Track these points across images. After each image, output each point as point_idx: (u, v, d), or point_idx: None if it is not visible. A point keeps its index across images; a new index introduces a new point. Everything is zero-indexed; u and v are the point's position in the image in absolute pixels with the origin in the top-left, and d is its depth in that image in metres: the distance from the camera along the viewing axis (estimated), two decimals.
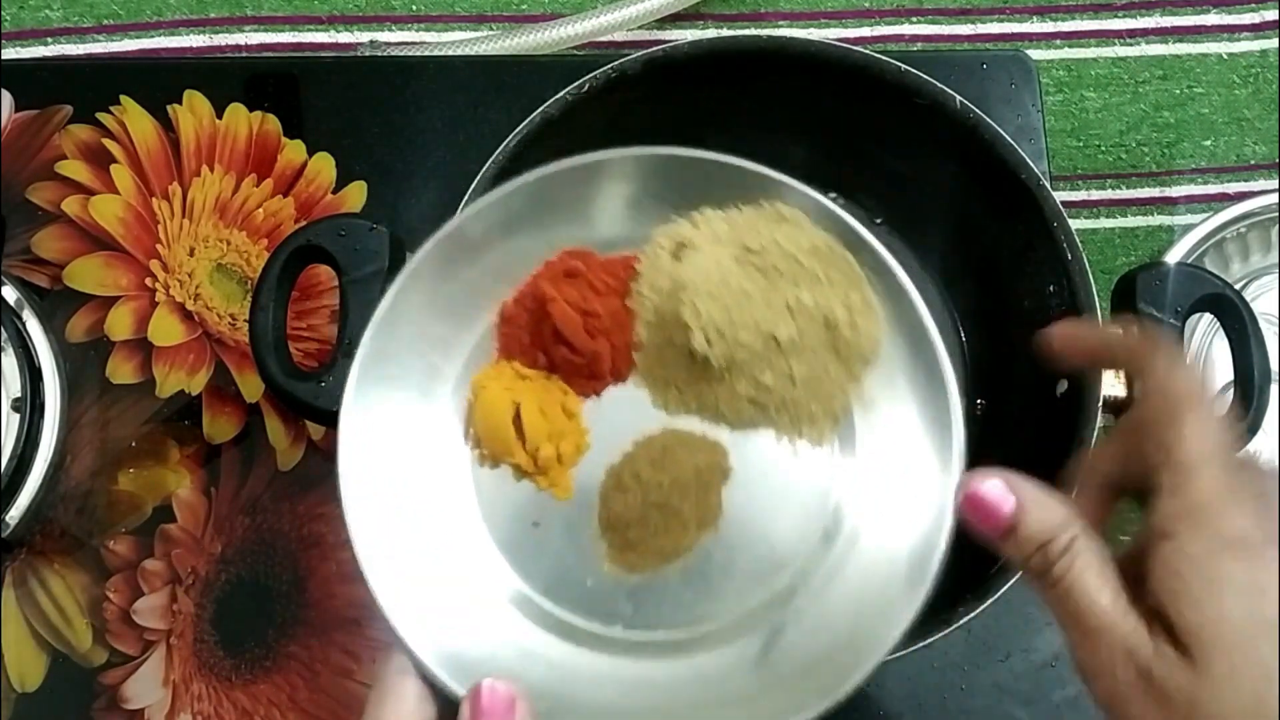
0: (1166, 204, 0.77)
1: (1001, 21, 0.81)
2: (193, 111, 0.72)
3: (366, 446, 0.44)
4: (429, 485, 0.46)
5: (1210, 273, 0.61)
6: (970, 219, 0.65)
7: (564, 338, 0.45)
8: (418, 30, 0.80)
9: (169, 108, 0.72)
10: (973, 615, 0.54)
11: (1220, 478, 0.35)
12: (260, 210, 0.71)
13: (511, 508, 0.46)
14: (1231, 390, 0.58)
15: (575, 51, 0.75)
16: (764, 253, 0.45)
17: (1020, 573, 0.38)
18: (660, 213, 0.47)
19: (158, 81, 0.73)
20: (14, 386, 0.64)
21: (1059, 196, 0.59)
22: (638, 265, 0.46)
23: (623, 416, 0.46)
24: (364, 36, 0.79)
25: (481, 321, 0.48)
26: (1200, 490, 0.34)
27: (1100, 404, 0.57)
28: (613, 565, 0.46)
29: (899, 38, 0.81)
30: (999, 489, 0.39)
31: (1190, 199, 0.77)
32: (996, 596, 0.54)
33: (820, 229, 0.45)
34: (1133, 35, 0.81)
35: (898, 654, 0.54)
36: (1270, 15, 0.81)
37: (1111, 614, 0.34)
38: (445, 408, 0.47)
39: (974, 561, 0.57)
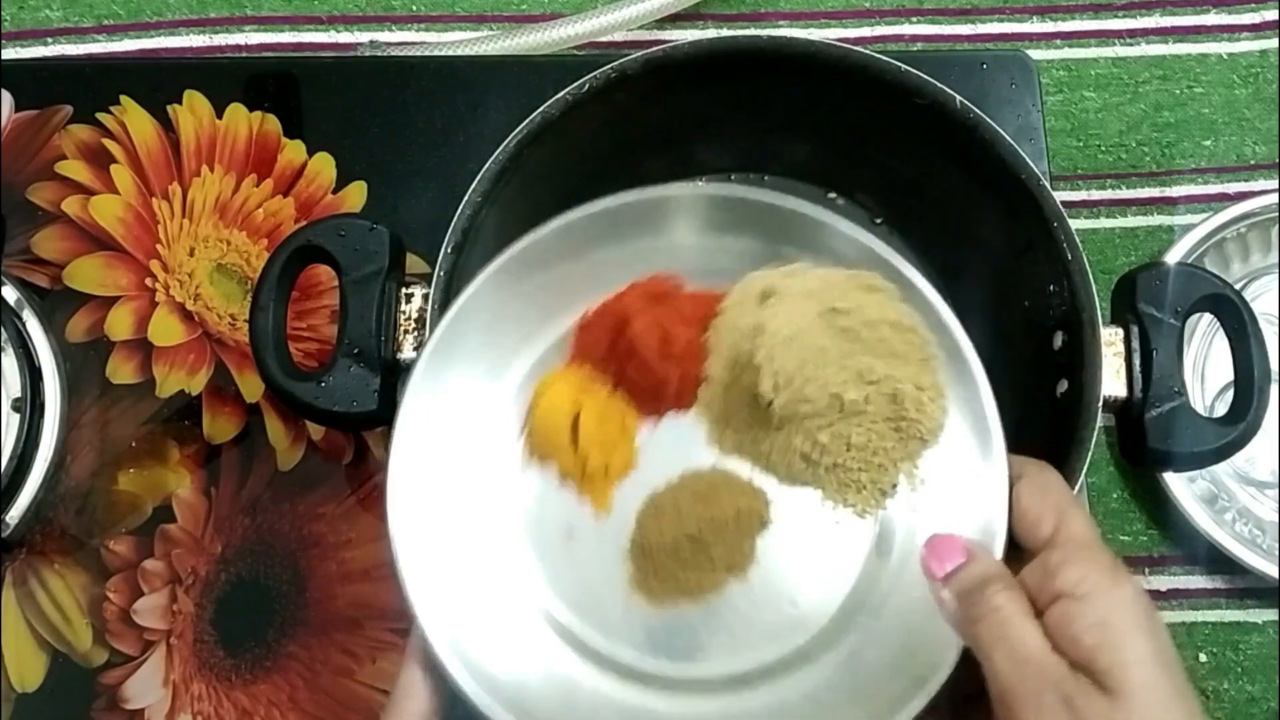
0: (1166, 204, 0.77)
1: (1001, 21, 0.81)
2: (193, 111, 0.72)
3: (424, 424, 0.45)
4: (475, 470, 0.46)
5: (1210, 273, 0.61)
6: (970, 219, 0.65)
7: (638, 355, 0.45)
8: (418, 30, 0.80)
9: (169, 108, 0.72)
10: None
11: (1107, 549, 0.42)
12: (260, 210, 0.71)
13: (550, 509, 0.46)
14: (1232, 390, 0.58)
15: (575, 51, 0.75)
16: (849, 315, 0.45)
17: (954, 610, 0.42)
18: (746, 246, 0.47)
19: (158, 81, 0.73)
20: (14, 386, 0.64)
21: (1059, 196, 0.59)
22: (723, 304, 0.47)
23: (676, 445, 0.46)
24: (364, 36, 0.79)
25: (563, 321, 0.48)
26: (1102, 559, 0.41)
27: (1100, 404, 0.57)
28: (633, 590, 0.46)
29: (899, 38, 0.81)
30: (956, 538, 0.43)
31: (1190, 199, 0.77)
32: None
33: (908, 307, 0.46)
34: (1133, 35, 0.81)
35: None
36: (1270, 15, 0.81)
37: (1041, 648, 0.39)
38: (509, 399, 0.47)
39: None
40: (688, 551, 0.45)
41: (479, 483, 0.46)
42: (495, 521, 0.46)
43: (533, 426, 0.47)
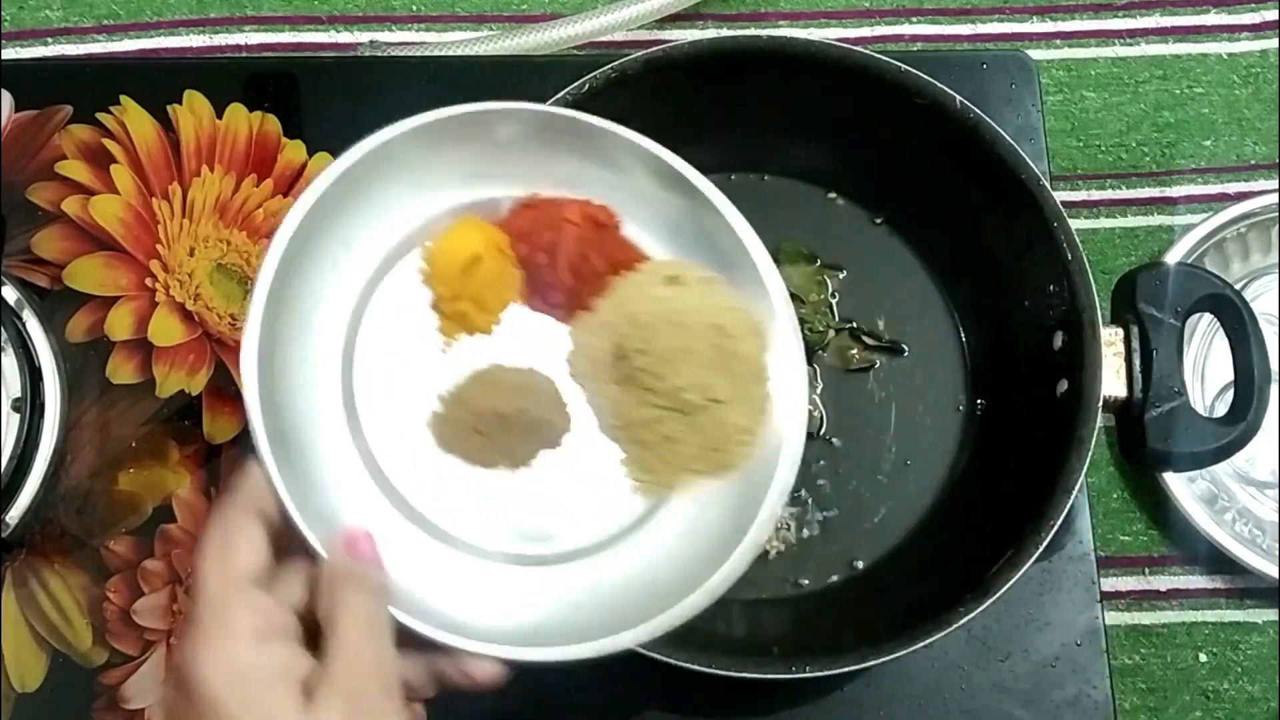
0: (1166, 204, 0.77)
1: (1001, 21, 0.81)
2: (193, 111, 0.72)
3: (287, 263, 0.46)
4: (328, 286, 0.49)
5: (1210, 273, 0.61)
6: (970, 219, 0.65)
7: (556, 255, 0.50)
8: (418, 30, 0.80)
9: (169, 108, 0.72)
10: (972, 615, 0.54)
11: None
12: (260, 210, 0.71)
13: (394, 326, 0.50)
14: (1232, 390, 0.58)
15: (575, 51, 0.75)
16: (728, 340, 0.50)
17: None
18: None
19: (158, 81, 0.73)
20: (14, 386, 0.64)
21: (1059, 196, 0.60)
22: (640, 265, 0.52)
23: (535, 342, 0.51)
24: (364, 36, 0.79)
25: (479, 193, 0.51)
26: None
27: (1100, 404, 0.57)
28: (428, 424, 0.49)
29: (899, 38, 0.81)
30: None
31: (1190, 199, 0.77)
32: (996, 596, 0.54)
33: (769, 364, 0.51)
34: (1133, 35, 0.81)
35: (895, 655, 0.54)
36: (1270, 15, 0.81)
37: None
38: (388, 235, 0.50)
39: (973, 561, 0.57)
40: (489, 424, 0.49)
41: (330, 295, 0.49)
42: (335, 321, 0.49)
43: (434, 246, 0.50)
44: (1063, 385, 0.59)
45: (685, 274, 0.51)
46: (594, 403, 0.51)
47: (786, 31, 0.80)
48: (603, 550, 0.49)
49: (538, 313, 0.51)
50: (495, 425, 0.49)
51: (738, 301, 0.51)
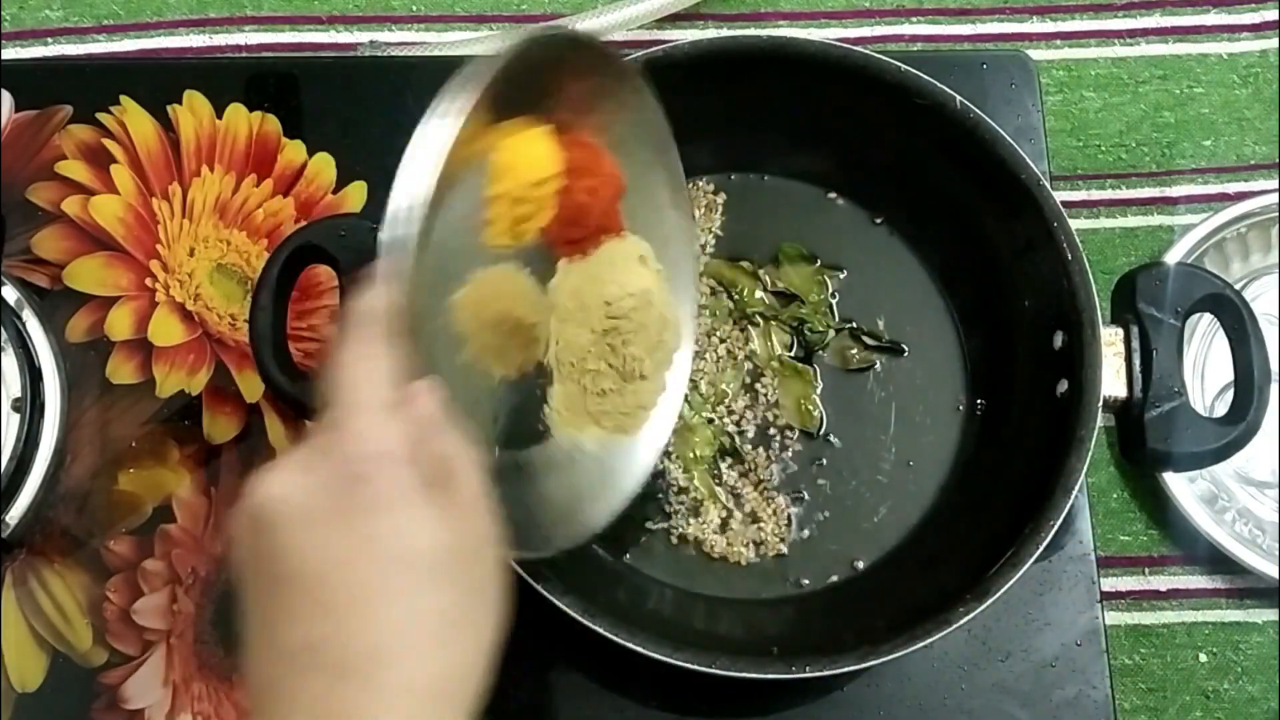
0: (1166, 204, 0.77)
1: (1001, 21, 0.81)
2: (193, 111, 0.72)
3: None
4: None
5: (1210, 273, 0.61)
6: (970, 219, 0.65)
7: (594, 197, 0.53)
8: (418, 30, 0.80)
9: (169, 108, 0.72)
10: (972, 615, 0.54)
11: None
12: (260, 210, 0.71)
13: (460, 215, 0.50)
14: (1232, 390, 0.58)
15: None
16: (664, 328, 0.57)
17: None
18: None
19: (158, 81, 0.73)
20: (14, 386, 0.64)
21: (1059, 196, 0.60)
22: (622, 237, 0.56)
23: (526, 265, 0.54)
24: (364, 36, 0.79)
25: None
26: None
27: (1100, 404, 0.57)
28: (455, 299, 0.50)
29: (899, 38, 0.81)
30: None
31: (1190, 199, 0.77)
32: (996, 596, 0.54)
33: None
34: (1133, 35, 0.81)
35: (895, 655, 0.54)
36: (1270, 15, 0.81)
37: None
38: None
39: (973, 561, 0.57)
40: (507, 324, 0.52)
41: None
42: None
43: (520, 149, 0.50)
44: (1063, 385, 0.59)
45: (649, 259, 0.57)
46: (558, 328, 0.55)
47: (786, 31, 0.80)
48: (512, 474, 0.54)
49: (547, 241, 0.53)
50: (509, 330, 0.52)
51: (670, 298, 0.58)
